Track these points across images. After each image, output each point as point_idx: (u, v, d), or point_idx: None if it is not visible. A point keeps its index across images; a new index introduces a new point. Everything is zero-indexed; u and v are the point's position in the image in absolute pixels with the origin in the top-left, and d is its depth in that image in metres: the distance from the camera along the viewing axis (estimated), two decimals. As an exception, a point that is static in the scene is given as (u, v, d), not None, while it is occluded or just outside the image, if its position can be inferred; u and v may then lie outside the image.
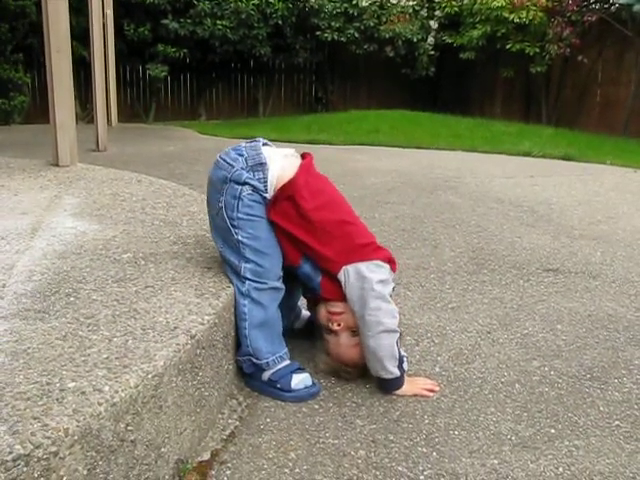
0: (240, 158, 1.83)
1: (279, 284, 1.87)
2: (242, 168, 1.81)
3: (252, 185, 1.80)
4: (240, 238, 1.81)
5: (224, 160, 1.84)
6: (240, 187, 1.80)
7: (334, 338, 1.91)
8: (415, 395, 1.86)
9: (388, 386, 1.86)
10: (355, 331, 1.87)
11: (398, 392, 1.86)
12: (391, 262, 1.92)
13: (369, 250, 1.88)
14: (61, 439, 1.10)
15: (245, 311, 1.81)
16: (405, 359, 1.90)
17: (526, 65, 10.53)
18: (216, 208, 1.84)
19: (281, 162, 1.86)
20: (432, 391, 1.88)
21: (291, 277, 1.93)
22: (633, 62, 9.61)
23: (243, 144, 1.89)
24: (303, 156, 1.95)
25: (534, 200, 4.28)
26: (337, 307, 1.88)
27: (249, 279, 1.82)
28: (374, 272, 1.83)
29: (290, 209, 1.82)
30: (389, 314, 1.82)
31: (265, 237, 1.83)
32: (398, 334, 1.84)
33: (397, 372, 1.84)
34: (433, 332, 2.28)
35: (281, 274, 1.87)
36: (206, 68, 11.32)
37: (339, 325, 1.88)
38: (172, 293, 1.74)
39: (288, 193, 1.81)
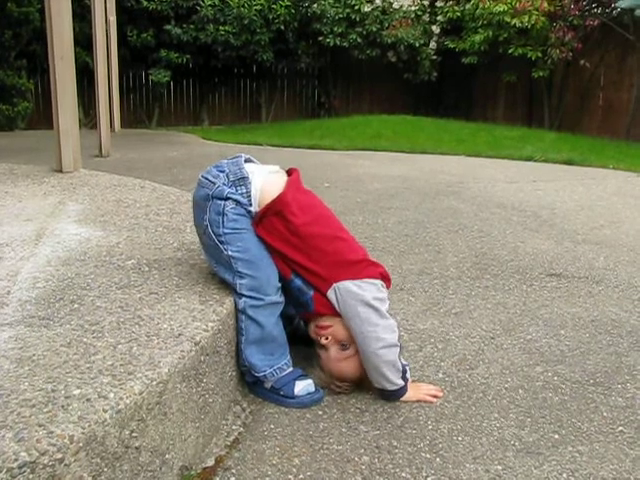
0: (221, 174, 1.81)
1: (277, 297, 1.83)
2: (223, 184, 1.79)
3: (234, 199, 1.78)
4: (230, 253, 1.79)
5: (205, 178, 1.83)
6: (223, 202, 1.78)
7: (324, 353, 1.89)
8: (419, 401, 1.86)
9: (392, 396, 1.86)
10: (345, 345, 1.85)
11: (402, 398, 1.86)
12: (385, 278, 1.89)
13: (360, 267, 1.85)
14: (66, 446, 1.11)
15: (242, 327, 1.80)
16: (407, 368, 1.89)
17: (528, 69, 10.55)
18: (202, 227, 1.82)
19: (264, 177, 1.85)
20: (436, 397, 1.88)
21: (283, 291, 1.90)
22: (635, 66, 9.62)
23: (224, 161, 1.88)
24: (289, 172, 1.94)
25: (537, 205, 4.28)
26: (325, 321, 1.86)
27: (245, 295, 1.79)
28: (366, 290, 1.80)
29: (279, 225, 1.80)
30: (388, 329, 1.80)
31: (255, 249, 1.81)
32: (399, 348, 1.83)
33: (401, 383, 1.84)
34: (436, 338, 2.28)
35: (279, 285, 1.84)
36: (209, 73, 11.37)
37: (327, 339, 1.86)
38: (176, 300, 1.74)
39: (277, 209, 1.79)
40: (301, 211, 1.82)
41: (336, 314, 1.83)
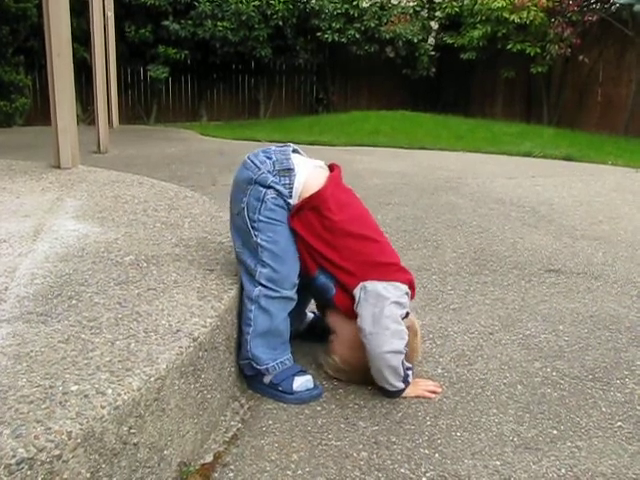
0: (268, 161, 1.82)
1: (292, 294, 1.85)
2: (269, 171, 1.80)
3: (277, 189, 1.79)
4: (259, 241, 1.80)
5: (252, 161, 1.83)
6: (264, 190, 1.79)
7: (336, 336, 1.91)
8: (417, 396, 1.86)
9: (392, 395, 1.86)
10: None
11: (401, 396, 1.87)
12: (411, 287, 1.89)
13: (391, 270, 1.86)
14: (64, 442, 1.10)
15: (251, 317, 1.81)
16: (411, 372, 1.88)
17: (527, 65, 10.54)
18: (238, 208, 1.83)
19: (309, 171, 1.86)
20: (434, 392, 1.88)
21: (305, 287, 1.91)
22: (634, 62, 9.61)
23: (273, 147, 1.88)
24: (331, 167, 1.94)
25: (535, 201, 4.28)
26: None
27: (262, 285, 1.80)
28: (390, 292, 1.80)
29: (314, 220, 1.81)
30: (397, 335, 1.79)
31: (284, 242, 1.82)
32: (404, 355, 1.82)
33: (401, 386, 1.84)
34: (435, 333, 2.28)
35: (297, 282, 1.85)
36: (207, 69, 11.34)
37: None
38: (174, 296, 1.74)
39: (314, 204, 1.80)
40: (338, 208, 1.82)
41: (354, 314, 1.83)
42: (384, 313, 1.78)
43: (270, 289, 1.81)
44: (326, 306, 1.97)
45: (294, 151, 1.90)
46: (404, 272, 1.91)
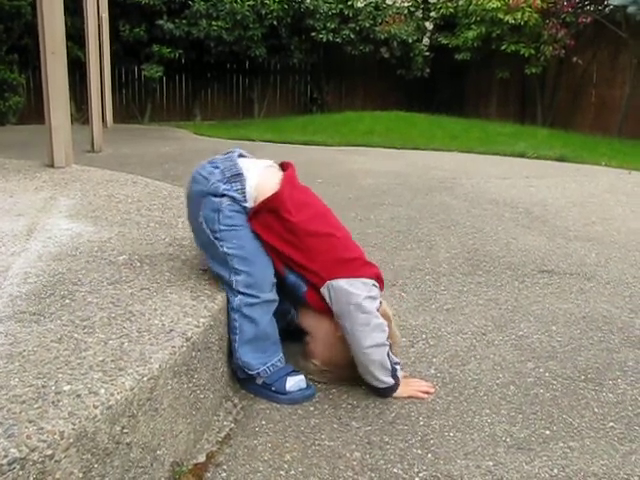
0: (216, 171, 1.81)
1: (272, 295, 1.84)
2: (218, 180, 1.79)
3: (230, 196, 1.78)
4: (226, 250, 1.79)
5: (200, 174, 1.83)
6: (219, 199, 1.78)
7: (312, 338, 1.92)
8: (409, 397, 1.86)
9: (383, 393, 1.86)
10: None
11: (393, 395, 1.87)
12: (379, 280, 1.89)
13: (355, 266, 1.86)
14: (57, 442, 1.10)
15: (236, 325, 1.80)
16: (399, 367, 1.89)
17: (521, 66, 10.56)
18: (197, 223, 1.82)
19: (259, 172, 1.85)
20: (427, 393, 1.88)
21: (283, 283, 1.92)
22: (627, 63, 9.64)
23: (218, 157, 1.87)
24: (283, 166, 1.93)
25: (529, 201, 4.29)
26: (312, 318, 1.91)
27: (241, 292, 1.80)
28: (358, 289, 1.80)
29: (274, 222, 1.80)
30: (378, 328, 1.80)
31: (250, 245, 1.81)
32: (388, 347, 1.83)
33: (391, 381, 1.84)
34: (428, 334, 2.28)
35: (274, 281, 1.85)
36: (201, 69, 11.33)
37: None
38: (168, 295, 1.74)
39: (272, 206, 1.79)
40: (296, 209, 1.81)
41: (328, 310, 1.83)
42: (361, 309, 1.78)
43: (250, 295, 1.80)
44: (298, 304, 1.96)
45: (240, 155, 1.89)
46: (369, 266, 1.90)
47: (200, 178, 1.82)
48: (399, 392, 1.86)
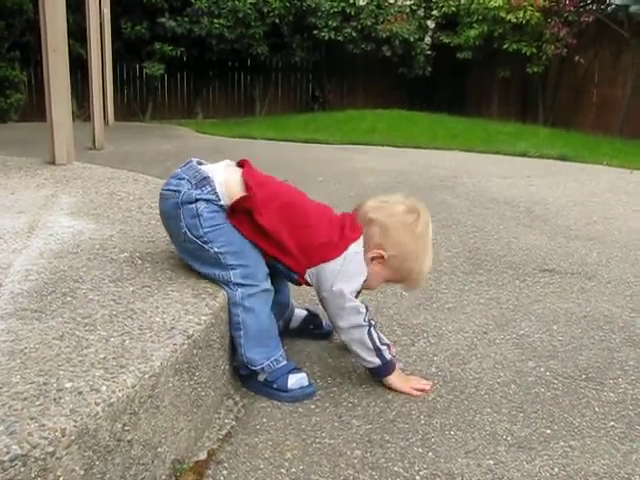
0: (182, 182, 1.83)
1: (268, 284, 1.87)
2: (189, 189, 1.81)
3: (205, 199, 1.80)
4: (216, 249, 1.80)
5: (169, 190, 1.85)
6: (194, 205, 1.79)
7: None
8: (404, 393, 1.87)
9: (376, 374, 1.89)
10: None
11: (387, 381, 1.88)
12: (351, 238, 1.89)
13: (328, 248, 1.87)
14: (58, 439, 1.10)
15: (239, 321, 1.81)
16: (386, 348, 1.88)
17: (523, 65, 10.56)
18: (181, 235, 1.83)
19: (222, 171, 1.88)
20: (422, 391, 1.88)
21: (276, 275, 1.94)
22: (629, 63, 9.64)
23: (178, 169, 1.89)
24: (239, 164, 1.95)
25: (530, 200, 4.29)
26: None
27: (240, 284, 1.81)
28: (334, 272, 1.84)
29: (248, 221, 1.82)
30: (353, 311, 1.84)
31: (238, 239, 1.83)
32: (367, 327, 1.85)
33: (377, 361, 1.86)
34: (429, 332, 2.28)
35: (267, 271, 1.88)
36: (203, 67, 11.34)
37: None
38: (169, 293, 1.74)
39: (246, 207, 1.81)
40: (265, 207, 1.83)
41: None
42: (333, 294, 1.83)
43: (248, 286, 1.82)
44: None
45: (198, 163, 1.91)
46: (343, 240, 1.89)
47: (169, 194, 1.84)
48: (395, 383, 1.88)
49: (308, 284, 1.92)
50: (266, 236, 1.83)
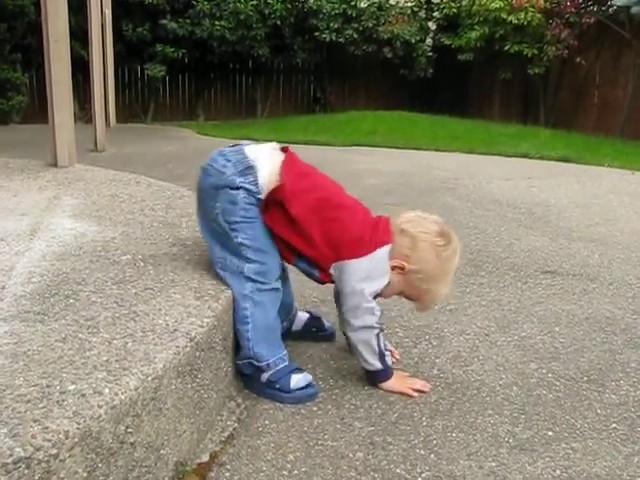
0: (229, 164, 1.83)
1: (279, 284, 1.89)
2: (233, 174, 1.81)
3: (246, 188, 1.81)
4: (240, 240, 1.82)
5: (213, 167, 1.85)
6: (235, 192, 1.80)
7: None
8: (400, 393, 1.87)
9: (373, 378, 1.90)
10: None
11: (384, 386, 1.89)
12: (382, 242, 1.88)
13: (358, 244, 1.86)
14: (61, 441, 1.10)
15: (247, 314, 1.82)
16: (389, 354, 1.91)
17: (524, 66, 10.55)
18: (212, 214, 1.84)
19: (268, 160, 1.87)
20: (420, 391, 1.88)
21: (284, 278, 1.95)
22: (631, 64, 9.63)
23: (226, 149, 1.89)
24: (283, 149, 1.95)
25: (532, 202, 4.29)
26: None
27: (252, 279, 1.82)
28: (359, 270, 1.84)
29: (280, 213, 1.83)
30: (368, 311, 1.84)
31: (263, 236, 1.85)
32: (377, 330, 1.86)
33: (379, 365, 1.87)
34: (431, 334, 2.29)
35: (280, 274, 1.90)
36: (204, 68, 11.34)
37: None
38: (171, 295, 1.74)
39: (277, 198, 1.82)
40: (297, 199, 1.83)
41: None
42: (353, 291, 1.83)
43: (260, 282, 1.84)
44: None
45: (246, 146, 1.91)
46: (372, 237, 1.88)
47: (213, 171, 1.84)
48: (390, 385, 1.89)
49: (329, 281, 1.91)
50: (295, 227, 1.83)
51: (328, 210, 1.89)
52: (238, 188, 1.80)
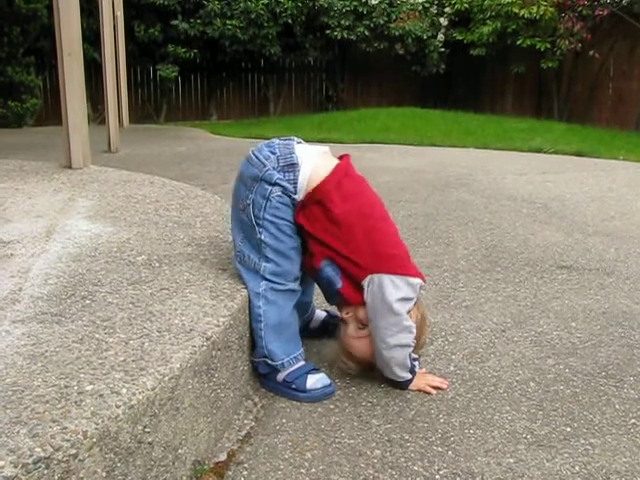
0: (272, 156, 1.81)
1: (296, 286, 1.86)
2: (274, 168, 1.79)
3: (282, 186, 1.78)
4: (263, 237, 1.80)
5: (256, 157, 1.82)
6: (270, 187, 1.78)
7: (344, 326, 1.91)
8: (419, 390, 1.87)
9: (399, 385, 1.88)
10: (363, 325, 1.85)
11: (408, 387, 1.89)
12: (421, 277, 1.88)
13: (397, 262, 1.83)
14: (80, 442, 1.11)
15: (260, 312, 1.81)
16: (417, 363, 1.90)
17: (537, 61, 10.49)
18: (244, 204, 1.82)
19: (314, 162, 1.83)
20: (439, 388, 1.88)
21: (305, 276, 1.92)
22: (645, 56, 9.55)
23: (277, 141, 1.87)
24: (341, 157, 1.92)
25: (547, 197, 4.27)
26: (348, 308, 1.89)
27: (267, 279, 1.81)
28: (397, 287, 1.78)
29: (319, 213, 1.79)
30: (406, 330, 1.80)
31: (288, 240, 1.82)
32: (411, 348, 1.83)
33: (408, 376, 1.86)
34: (447, 331, 2.28)
35: (299, 276, 1.87)
36: (216, 68, 11.37)
37: (347, 313, 1.88)
38: (187, 295, 1.75)
39: (317, 197, 1.79)
40: (342, 199, 1.80)
41: (362, 304, 1.83)
42: (393, 310, 1.77)
43: (275, 282, 1.82)
44: (330, 299, 1.97)
45: (298, 143, 1.88)
46: (413, 265, 1.89)
47: (256, 161, 1.82)
48: (410, 384, 1.88)
49: (348, 294, 1.84)
50: (336, 230, 1.79)
51: (374, 220, 1.86)
52: (274, 184, 1.78)
